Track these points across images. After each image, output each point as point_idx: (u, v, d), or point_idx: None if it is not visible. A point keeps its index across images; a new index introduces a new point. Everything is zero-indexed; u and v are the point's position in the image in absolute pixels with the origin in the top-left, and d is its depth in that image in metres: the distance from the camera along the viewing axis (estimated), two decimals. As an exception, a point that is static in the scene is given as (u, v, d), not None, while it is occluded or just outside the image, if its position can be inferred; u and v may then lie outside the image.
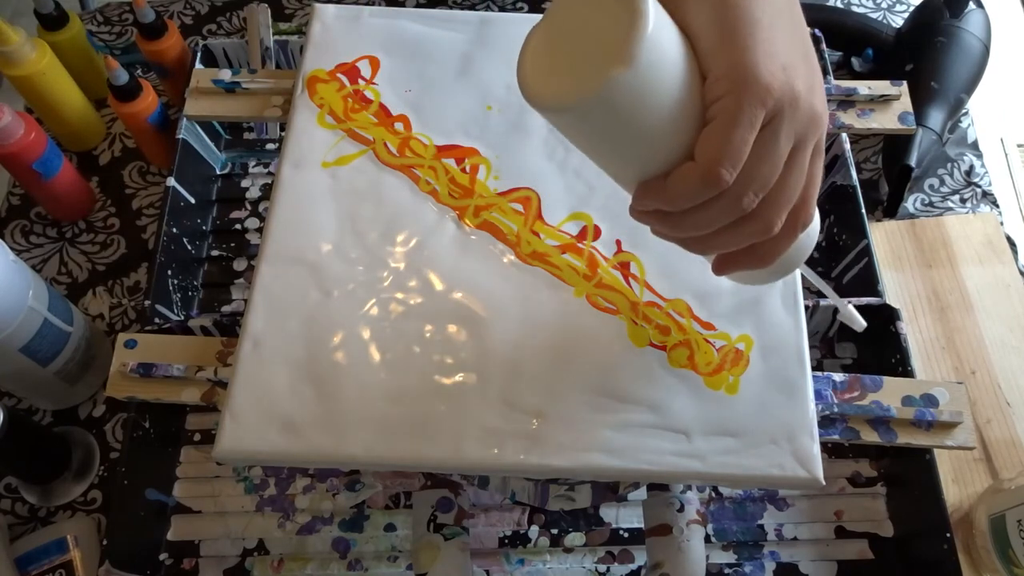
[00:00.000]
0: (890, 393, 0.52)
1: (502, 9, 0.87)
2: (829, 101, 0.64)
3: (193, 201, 0.68)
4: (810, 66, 0.35)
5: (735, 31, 0.33)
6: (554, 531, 0.60)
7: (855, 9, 0.85)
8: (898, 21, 0.84)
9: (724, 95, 0.32)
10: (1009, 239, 0.72)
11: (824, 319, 0.63)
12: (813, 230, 0.41)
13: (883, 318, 0.61)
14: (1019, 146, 1.36)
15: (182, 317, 0.63)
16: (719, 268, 0.39)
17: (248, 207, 0.73)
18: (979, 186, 0.75)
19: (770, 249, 0.37)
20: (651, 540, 0.54)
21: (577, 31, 0.33)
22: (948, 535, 0.54)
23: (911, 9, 0.82)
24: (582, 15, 0.33)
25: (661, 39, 0.31)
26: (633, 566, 0.59)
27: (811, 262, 0.70)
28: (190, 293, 0.67)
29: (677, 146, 0.34)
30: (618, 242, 0.51)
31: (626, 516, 0.61)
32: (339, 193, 0.52)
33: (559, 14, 0.34)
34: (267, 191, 0.73)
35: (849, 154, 0.67)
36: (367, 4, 0.76)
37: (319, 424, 0.46)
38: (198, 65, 0.69)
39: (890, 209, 0.73)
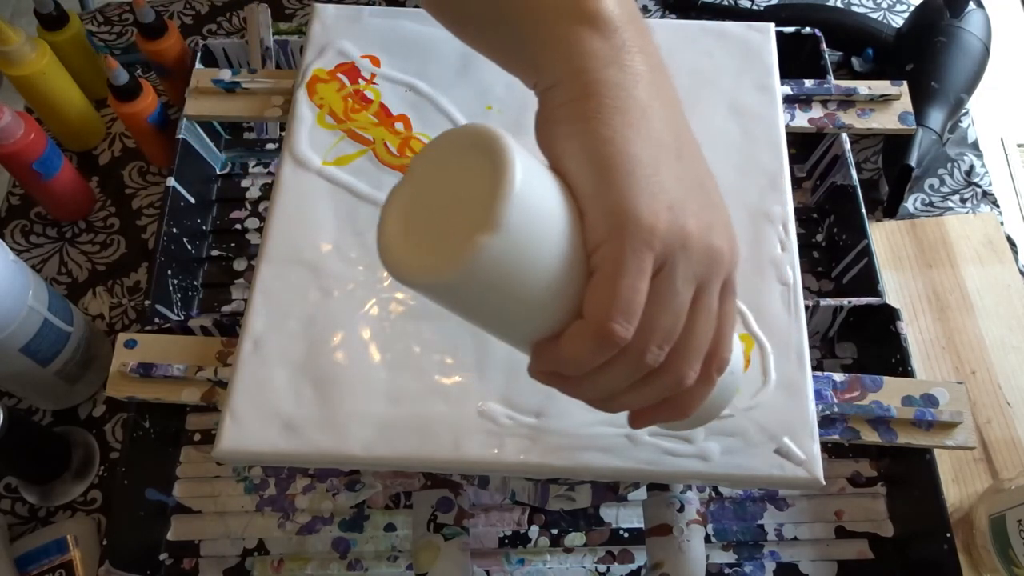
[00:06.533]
0: (890, 393, 0.52)
1: (502, 9, 0.86)
2: (829, 101, 0.64)
3: (193, 201, 0.68)
4: (706, 201, 0.32)
5: (611, 171, 0.29)
6: (554, 531, 0.60)
7: (855, 9, 0.85)
8: (898, 21, 0.84)
9: (604, 242, 0.29)
10: (1009, 239, 0.72)
11: (824, 319, 0.63)
12: (736, 367, 0.37)
13: (883, 318, 0.61)
14: (1019, 146, 1.36)
15: (182, 317, 0.63)
16: (635, 422, 0.35)
17: (248, 207, 0.73)
18: (979, 186, 0.75)
19: (687, 400, 0.33)
20: (651, 540, 0.54)
21: (442, 191, 0.29)
22: (948, 535, 0.54)
23: (911, 9, 0.82)
24: (446, 172, 0.29)
25: (532, 192, 0.27)
26: (633, 566, 0.59)
27: (812, 262, 0.70)
28: (190, 293, 0.67)
29: (565, 302, 0.30)
30: (618, 242, 0.51)
31: (626, 516, 0.61)
32: (339, 193, 0.52)
33: (421, 171, 0.30)
34: (267, 191, 0.73)
35: (849, 154, 0.67)
36: (367, 4, 0.76)
37: (319, 424, 0.46)
38: (198, 65, 0.69)
39: (890, 209, 0.73)
